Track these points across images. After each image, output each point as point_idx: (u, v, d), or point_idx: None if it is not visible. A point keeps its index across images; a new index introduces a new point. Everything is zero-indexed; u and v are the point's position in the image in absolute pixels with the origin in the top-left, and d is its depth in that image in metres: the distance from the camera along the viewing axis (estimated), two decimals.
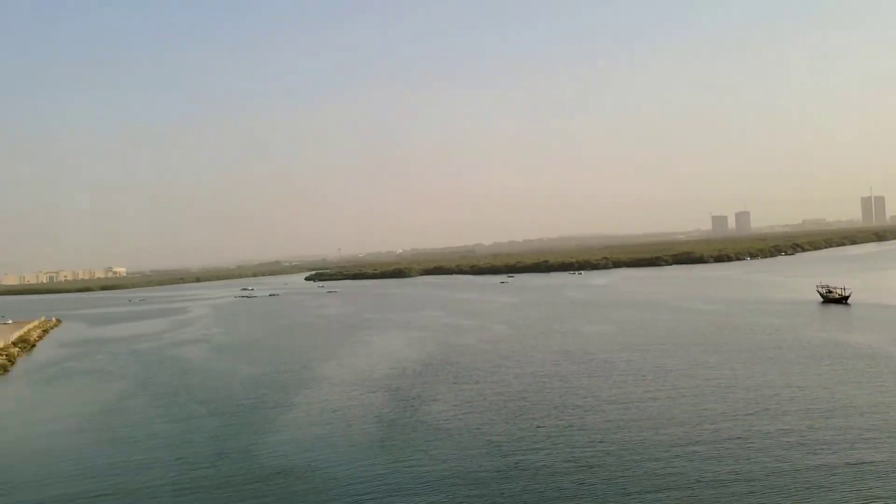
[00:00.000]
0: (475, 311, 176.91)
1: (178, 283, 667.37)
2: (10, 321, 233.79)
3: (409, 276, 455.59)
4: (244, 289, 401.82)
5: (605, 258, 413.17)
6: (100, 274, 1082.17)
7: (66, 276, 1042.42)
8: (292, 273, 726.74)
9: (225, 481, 51.38)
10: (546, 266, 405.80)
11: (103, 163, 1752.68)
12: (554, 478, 47.94)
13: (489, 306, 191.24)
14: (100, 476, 54.95)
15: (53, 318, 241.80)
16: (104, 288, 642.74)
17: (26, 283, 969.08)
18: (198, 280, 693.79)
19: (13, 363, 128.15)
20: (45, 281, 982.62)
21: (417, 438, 59.63)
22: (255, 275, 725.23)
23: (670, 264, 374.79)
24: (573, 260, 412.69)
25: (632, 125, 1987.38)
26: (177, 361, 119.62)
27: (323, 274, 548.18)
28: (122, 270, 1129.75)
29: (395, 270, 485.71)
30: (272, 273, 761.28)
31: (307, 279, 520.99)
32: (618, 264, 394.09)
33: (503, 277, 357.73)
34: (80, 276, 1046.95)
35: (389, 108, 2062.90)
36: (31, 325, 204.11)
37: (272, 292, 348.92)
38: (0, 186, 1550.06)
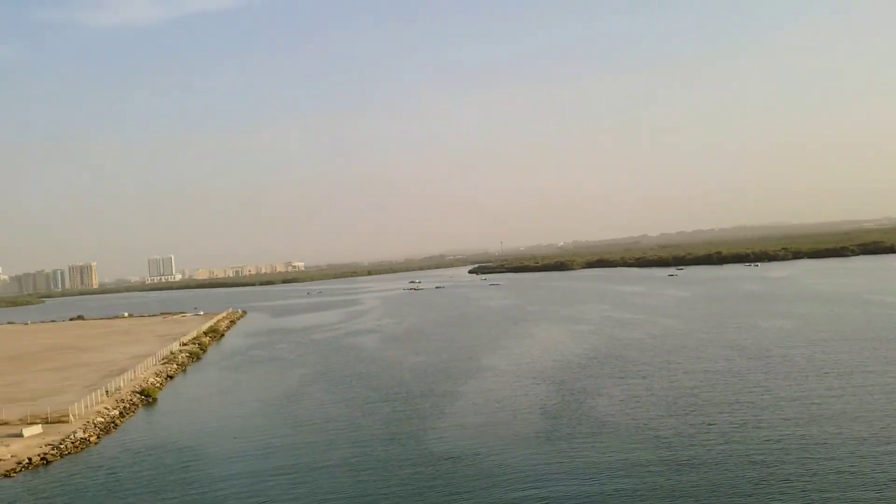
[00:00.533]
0: (641, 305, 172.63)
1: (350, 275, 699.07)
2: (202, 313, 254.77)
3: (571, 268, 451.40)
4: (412, 281, 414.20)
5: (783, 248, 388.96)
6: (280, 268, 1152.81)
7: (250, 271, 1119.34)
8: (456, 266, 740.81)
9: (396, 466, 53.52)
10: (719, 258, 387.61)
11: (288, 163, 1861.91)
12: (727, 475, 46.11)
13: (657, 300, 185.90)
14: (281, 454, 58.96)
15: (240, 310, 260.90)
16: (285, 281, 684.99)
17: (215, 277, 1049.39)
18: (369, 273, 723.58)
19: (205, 351, 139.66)
20: (231, 275, 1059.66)
21: (583, 431, 59.28)
22: (421, 268, 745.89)
23: (857, 254, 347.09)
24: (748, 251, 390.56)
25: None
26: (351, 350, 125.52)
27: (485, 267, 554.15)
28: (300, 265, 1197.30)
29: (557, 263, 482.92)
30: (437, 266, 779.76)
31: (470, 272, 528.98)
32: (798, 255, 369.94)
33: (671, 270, 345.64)
34: (263, 271, 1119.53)
35: (545, 101, 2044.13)
36: (220, 317, 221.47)
37: (438, 285, 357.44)
38: (202, 193, 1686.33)
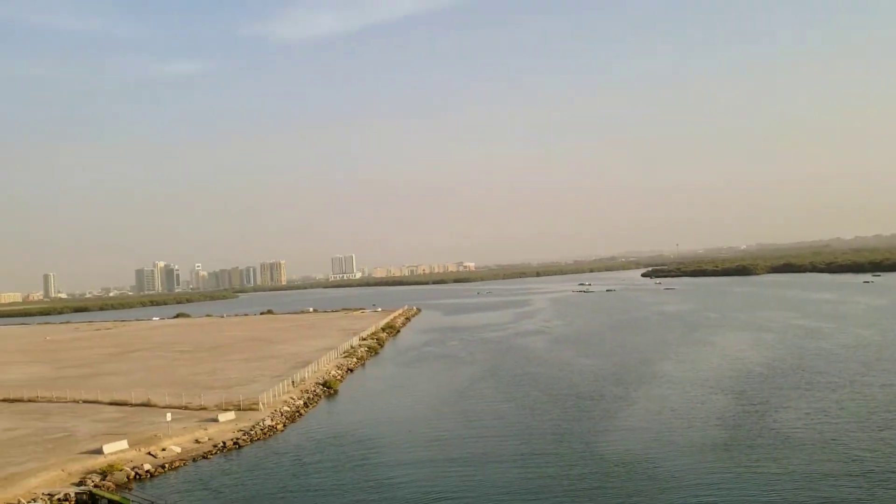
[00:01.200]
0: (832, 314, 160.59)
1: (519, 276, 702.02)
2: (380, 309, 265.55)
3: (754, 273, 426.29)
4: (581, 283, 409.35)
5: None
6: (452, 268, 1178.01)
7: (424, 270, 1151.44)
8: (629, 269, 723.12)
9: (565, 465, 53.39)
10: None
11: (465, 164, 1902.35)
12: None
13: (849, 308, 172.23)
14: (452, 447, 60.62)
15: (414, 308, 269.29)
16: (456, 280, 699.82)
17: (392, 275, 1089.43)
18: (538, 274, 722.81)
19: (382, 346, 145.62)
20: (407, 274, 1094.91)
21: (764, 445, 56.21)
22: (591, 270, 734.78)
23: None
24: None
25: None
26: (520, 350, 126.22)
27: (660, 270, 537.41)
28: (471, 265, 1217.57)
29: (738, 268, 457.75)
30: (608, 269, 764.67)
31: (644, 275, 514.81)
32: None
33: (867, 276, 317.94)
34: (436, 270, 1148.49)
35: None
36: (396, 313, 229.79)
37: (609, 287, 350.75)
38: (383, 193, 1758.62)
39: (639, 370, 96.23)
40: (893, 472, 47.39)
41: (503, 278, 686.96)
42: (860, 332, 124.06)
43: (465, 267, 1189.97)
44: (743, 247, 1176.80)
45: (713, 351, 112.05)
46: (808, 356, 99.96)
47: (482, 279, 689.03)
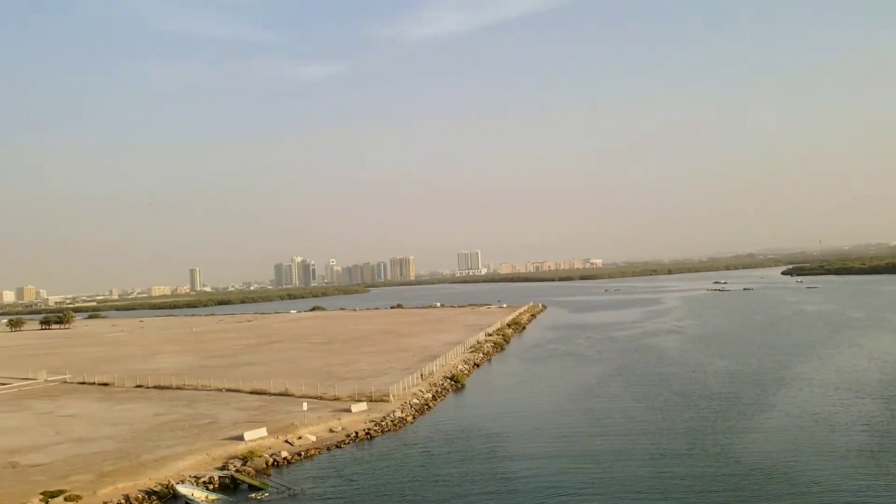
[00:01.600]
0: None
1: (650, 274, 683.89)
2: (505, 305, 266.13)
3: None
4: (716, 282, 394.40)
5: None
6: (578, 264, 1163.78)
7: (549, 266, 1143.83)
8: (767, 266, 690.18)
9: (697, 467, 51.77)
10: None
11: (585, 166, 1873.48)
12: None
13: None
14: (580, 446, 59.93)
15: (540, 304, 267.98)
16: (583, 277, 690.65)
17: (517, 272, 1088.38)
18: (669, 272, 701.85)
19: (508, 342, 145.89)
20: (532, 270, 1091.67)
21: None
22: (727, 267, 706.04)
23: None
24: None
25: None
26: (651, 350, 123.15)
27: (801, 268, 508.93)
28: (598, 261, 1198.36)
29: (889, 265, 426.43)
30: (745, 266, 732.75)
31: (784, 273, 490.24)
32: None
33: None
34: (562, 266, 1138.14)
35: None
36: (521, 310, 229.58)
37: (746, 286, 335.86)
38: (503, 191, 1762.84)
39: (778, 372, 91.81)
40: None
41: (632, 276, 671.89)
42: None
43: (592, 264, 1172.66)
44: (893, 243, 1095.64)
45: (860, 353, 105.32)
46: None
47: (610, 276, 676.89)
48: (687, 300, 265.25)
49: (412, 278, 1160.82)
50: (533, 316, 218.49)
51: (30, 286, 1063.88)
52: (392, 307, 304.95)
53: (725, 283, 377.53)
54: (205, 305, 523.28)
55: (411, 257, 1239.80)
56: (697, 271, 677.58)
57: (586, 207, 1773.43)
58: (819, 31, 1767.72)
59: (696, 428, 64.01)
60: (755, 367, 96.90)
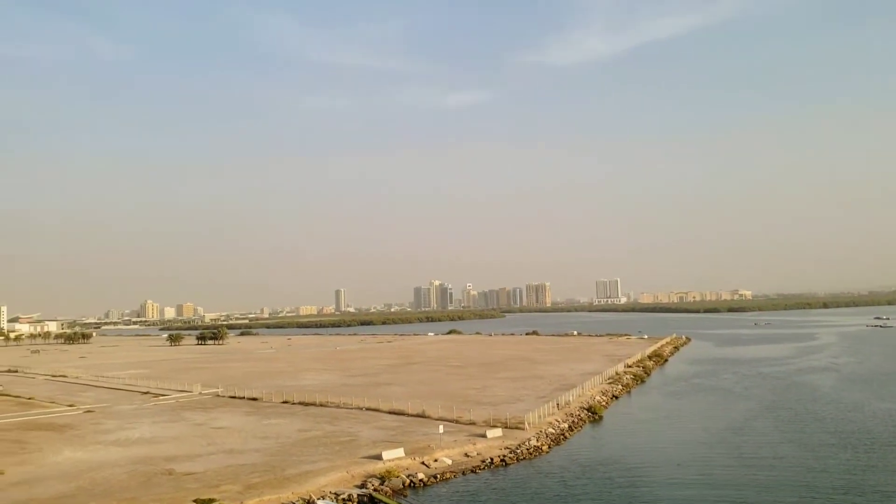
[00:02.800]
0: None
1: (803, 307, 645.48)
2: (646, 336, 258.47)
3: None
4: (877, 317, 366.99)
5: None
6: (726, 296, 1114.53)
7: (694, 297, 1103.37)
8: None
9: None
10: None
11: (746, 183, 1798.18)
12: None
13: None
14: (725, 487, 56.99)
15: (683, 336, 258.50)
16: (730, 310, 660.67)
17: (659, 302, 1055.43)
18: (825, 306, 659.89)
19: (648, 375, 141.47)
20: (675, 301, 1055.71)
21: None
22: (889, 302, 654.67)
23: None
24: None
25: None
26: (803, 387, 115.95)
27: None
28: (747, 293, 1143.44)
29: None
30: None
31: None
32: None
33: None
34: (708, 298, 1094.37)
35: None
36: (663, 342, 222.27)
37: None
38: (644, 218, 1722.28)
39: None
40: None
41: (784, 308, 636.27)
42: None
43: (741, 295, 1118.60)
44: None
45: None
46: None
47: (759, 309, 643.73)
48: (844, 336, 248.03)
49: (548, 305, 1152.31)
50: (676, 348, 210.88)
51: (189, 303, 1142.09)
52: (527, 333, 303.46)
53: (888, 318, 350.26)
54: (348, 325, 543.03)
55: (548, 284, 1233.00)
56: (856, 305, 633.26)
57: (735, 234, 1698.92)
58: None
59: (852, 473, 59.61)
60: None
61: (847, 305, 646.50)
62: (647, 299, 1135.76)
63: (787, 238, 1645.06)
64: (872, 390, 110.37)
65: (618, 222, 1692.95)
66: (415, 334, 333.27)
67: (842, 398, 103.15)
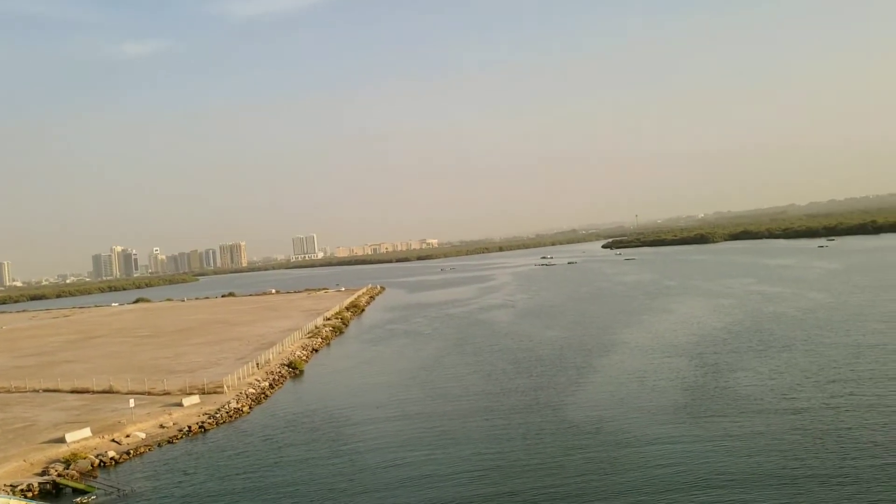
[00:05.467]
0: (788, 278, 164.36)
1: (482, 252, 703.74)
2: (343, 288, 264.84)
3: (712, 241, 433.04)
4: (543, 257, 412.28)
5: None
6: (415, 245, 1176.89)
7: (387, 248, 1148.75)
8: (589, 241, 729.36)
9: (533, 434, 54.35)
10: (874, 227, 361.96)
11: (416, 141, 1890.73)
12: (871, 450, 44.04)
13: (805, 272, 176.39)
14: (421, 422, 61.16)
15: (378, 286, 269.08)
16: (419, 258, 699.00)
17: (354, 254, 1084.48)
18: (500, 249, 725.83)
19: (347, 325, 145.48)
20: (369, 253, 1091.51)
21: (721, 406, 57.93)
22: (553, 243, 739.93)
23: None
24: None
25: None
26: (485, 324, 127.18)
27: (620, 241, 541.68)
28: (434, 241, 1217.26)
29: (696, 236, 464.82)
30: (569, 241, 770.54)
31: (604, 247, 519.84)
32: None
33: (821, 241, 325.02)
34: (399, 248, 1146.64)
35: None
36: (360, 292, 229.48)
37: (570, 260, 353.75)
38: (341, 174, 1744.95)
39: (601, 339, 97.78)
40: (843, 426, 49.56)
41: (466, 254, 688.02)
42: (813, 295, 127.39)
43: (428, 244, 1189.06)
44: (701, 215, 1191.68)
45: (672, 318, 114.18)
46: (762, 320, 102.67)
47: (445, 256, 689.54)
48: (517, 275, 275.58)
49: (244, 265, 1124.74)
50: (371, 298, 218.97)
51: None
52: (223, 295, 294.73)
53: (552, 257, 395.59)
54: (16, 301, 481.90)
55: (243, 243, 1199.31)
56: (526, 248, 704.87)
57: (423, 189, 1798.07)
58: None
59: (529, 396, 67.18)
60: (581, 336, 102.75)
61: (519, 248, 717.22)
62: (342, 253, 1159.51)
63: (464, 192, 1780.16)
64: (541, 321, 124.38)
65: (312, 179, 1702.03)
66: (96, 306, 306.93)
67: (516, 331, 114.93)
